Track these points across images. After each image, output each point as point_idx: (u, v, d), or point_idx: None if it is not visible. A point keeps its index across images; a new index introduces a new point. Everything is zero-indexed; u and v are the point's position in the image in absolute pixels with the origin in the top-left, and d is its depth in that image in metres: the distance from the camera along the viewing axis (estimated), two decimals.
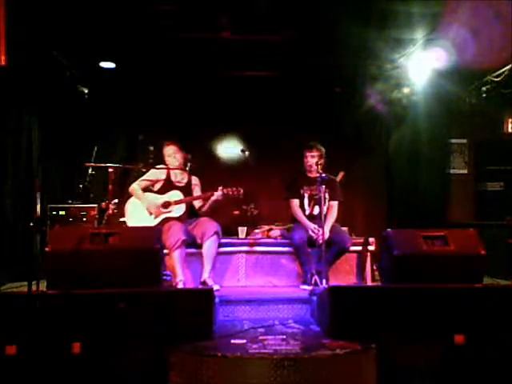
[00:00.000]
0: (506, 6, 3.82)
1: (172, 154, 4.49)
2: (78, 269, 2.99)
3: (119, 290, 2.90)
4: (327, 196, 4.51)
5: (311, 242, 4.32)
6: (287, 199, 4.66)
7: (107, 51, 4.86)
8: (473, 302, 2.99)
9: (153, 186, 4.51)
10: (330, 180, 4.56)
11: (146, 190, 4.48)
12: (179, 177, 4.56)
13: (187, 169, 4.54)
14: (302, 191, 4.56)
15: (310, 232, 4.34)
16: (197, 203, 4.50)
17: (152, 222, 4.30)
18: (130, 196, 4.48)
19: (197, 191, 4.57)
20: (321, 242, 4.07)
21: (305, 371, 2.59)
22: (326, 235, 4.19)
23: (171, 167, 4.48)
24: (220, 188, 4.28)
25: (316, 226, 4.31)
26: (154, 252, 3.13)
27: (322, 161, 4.52)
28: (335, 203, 4.59)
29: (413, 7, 4.06)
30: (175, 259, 4.00)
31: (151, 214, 4.34)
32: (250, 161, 4.88)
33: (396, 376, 2.84)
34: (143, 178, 4.48)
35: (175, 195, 4.36)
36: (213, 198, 4.30)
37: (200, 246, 4.23)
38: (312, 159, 4.53)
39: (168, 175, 4.51)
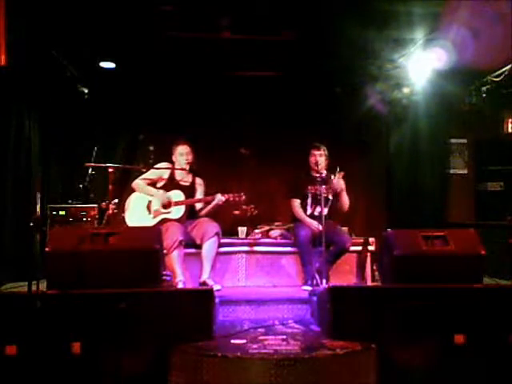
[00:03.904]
0: (506, 6, 3.82)
1: (184, 154, 4.47)
2: (77, 269, 2.99)
3: (119, 290, 2.89)
4: (330, 197, 4.52)
5: (314, 242, 4.31)
6: (289, 199, 4.66)
7: (107, 51, 4.86)
8: (473, 302, 2.99)
9: (155, 183, 4.50)
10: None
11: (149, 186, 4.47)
12: (184, 176, 4.55)
13: (187, 169, 4.53)
14: (305, 191, 4.56)
15: (312, 227, 4.34)
16: (198, 205, 4.50)
17: (151, 221, 4.31)
18: (131, 192, 4.47)
19: (200, 192, 4.57)
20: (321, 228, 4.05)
21: (305, 371, 2.59)
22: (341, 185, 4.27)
23: (176, 167, 4.46)
24: (220, 194, 4.29)
25: (317, 223, 4.30)
26: (153, 252, 3.13)
27: (327, 161, 4.59)
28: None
29: (413, 7, 4.06)
30: (173, 260, 4.01)
31: (150, 212, 4.34)
32: None
33: (396, 376, 2.84)
34: (146, 175, 4.45)
35: (176, 195, 4.36)
36: (213, 203, 4.31)
37: (200, 247, 4.23)
38: (320, 158, 4.55)
39: (172, 174, 4.50)
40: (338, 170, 4.27)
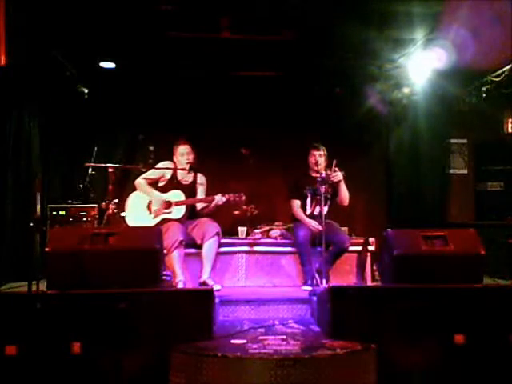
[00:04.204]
0: (506, 6, 3.82)
1: (185, 154, 4.48)
2: (77, 269, 2.99)
3: (119, 290, 2.89)
4: (329, 196, 4.53)
5: (314, 242, 4.31)
6: (289, 200, 4.66)
7: (107, 51, 4.86)
8: (473, 302, 2.99)
9: (157, 182, 4.50)
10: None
11: (150, 185, 4.46)
12: (185, 176, 4.55)
13: (187, 168, 4.53)
14: (305, 191, 4.56)
15: (311, 227, 4.35)
16: (198, 205, 4.50)
17: (151, 221, 4.31)
18: (132, 191, 4.47)
19: (201, 191, 4.57)
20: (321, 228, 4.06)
21: (305, 371, 2.59)
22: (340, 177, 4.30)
23: (177, 167, 4.46)
24: (220, 194, 4.29)
25: (317, 223, 4.31)
26: (154, 252, 3.13)
27: (326, 162, 4.58)
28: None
29: (413, 7, 4.05)
30: (174, 260, 4.01)
31: (151, 212, 4.34)
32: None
33: (396, 376, 2.84)
34: (148, 174, 4.43)
35: (177, 195, 4.36)
36: (213, 203, 4.31)
37: (200, 247, 4.24)
38: (320, 158, 4.56)
39: (174, 173, 4.49)
40: (335, 162, 4.27)
